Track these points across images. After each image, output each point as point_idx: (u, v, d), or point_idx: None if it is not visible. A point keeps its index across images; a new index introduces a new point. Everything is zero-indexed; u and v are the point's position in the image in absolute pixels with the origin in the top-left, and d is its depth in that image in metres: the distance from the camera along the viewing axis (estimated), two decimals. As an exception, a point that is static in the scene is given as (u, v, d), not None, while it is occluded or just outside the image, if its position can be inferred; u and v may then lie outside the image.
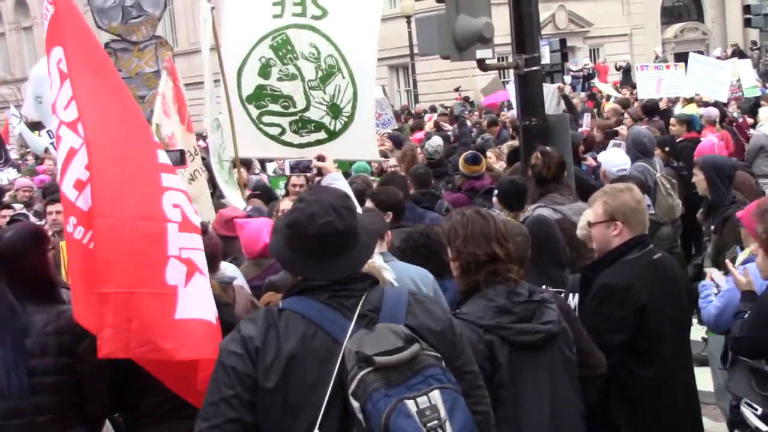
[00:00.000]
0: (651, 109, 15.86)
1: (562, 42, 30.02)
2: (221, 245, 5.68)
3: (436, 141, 12.74)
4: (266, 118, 8.07)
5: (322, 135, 7.88)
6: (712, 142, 11.35)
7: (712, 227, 7.38)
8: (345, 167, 10.61)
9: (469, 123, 19.98)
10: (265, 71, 7.96)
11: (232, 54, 8.15)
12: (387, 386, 3.04)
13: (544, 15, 39.04)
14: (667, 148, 10.79)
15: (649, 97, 16.53)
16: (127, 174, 4.26)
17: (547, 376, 4.14)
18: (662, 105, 15.61)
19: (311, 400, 3.17)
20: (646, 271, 4.98)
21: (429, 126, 21.08)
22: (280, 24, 7.88)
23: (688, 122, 12.93)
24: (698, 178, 7.63)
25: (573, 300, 5.25)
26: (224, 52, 8.25)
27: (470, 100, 32.49)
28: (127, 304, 4.03)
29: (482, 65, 9.27)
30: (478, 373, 3.50)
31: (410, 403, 3.03)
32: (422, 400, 3.05)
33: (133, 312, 4.03)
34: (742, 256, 6.02)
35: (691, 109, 16.32)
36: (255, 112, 8.10)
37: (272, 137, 8.10)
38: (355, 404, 3.06)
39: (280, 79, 7.95)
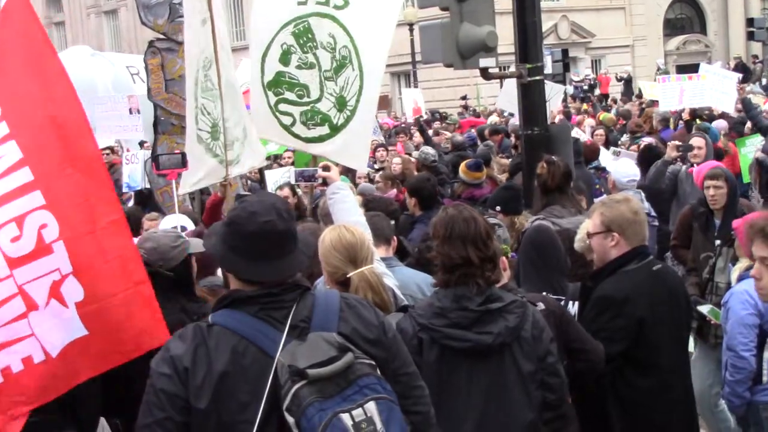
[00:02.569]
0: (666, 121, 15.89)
1: (564, 52, 29.98)
2: None
3: (430, 149, 12.74)
4: (282, 106, 7.98)
5: (325, 129, 7.79)
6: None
7: (718, 241, 7.27)
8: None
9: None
10: (285, 58, 7.86)
11: (257, 40, 8.05)
12: (322, 399, 2.99)
13: (546, 25, 39.03)
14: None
15: (671, 108, 16.43)
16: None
17: (484, 386, 4.13)
18: (685, 116, 15.43)
19: (245, 418, 3.10)
20: (644, 283, 4.99)
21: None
22: (304, 11, 7.79)
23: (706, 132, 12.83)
24: (721, 191, 7.55)
25: (573, 308, 5.27)
26: (251, 38, 8.18)
27: (471, 108, 32.47)
28: None
29: (485, 74, 9.26)
30: (415, 373, 3.46)
31: (345, 417, 2.98)
32: (357, 413, 3.00)
33: None
34: (736, 271, 6.00)
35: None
36: (273, 99, 7.99)
37: (284, 126, 8.00)
38: (290, 420, 3.00)
39: (298, 67, 7.85)
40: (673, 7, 50.73)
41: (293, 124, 7.92)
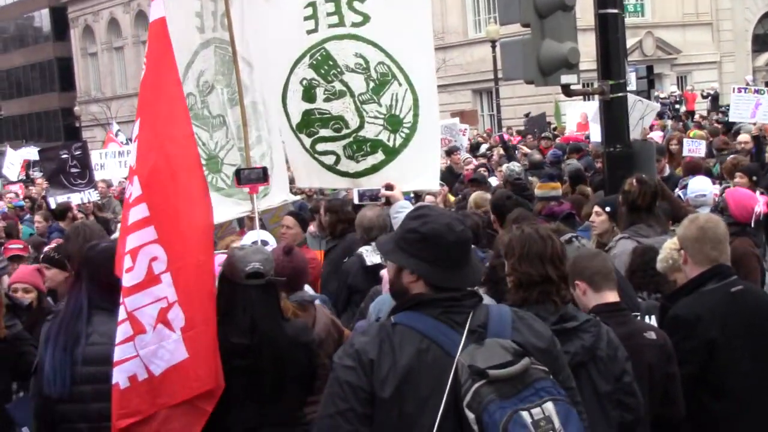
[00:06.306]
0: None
1: (649, 69, 29.55)
2: (305, 266, 5.70)
3: (516, 164, 12.66)
4: (320, 146, 7.42)
5: (379, 156, 7.20)
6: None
7: None
8: None
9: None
10: (309, 94, 7.32)
11: (273, 82, 7.53)
12: (500, 398, 3.12)
13: (631, 41, 38.65)
14: (754, 177, 10.47)
15: (742, 120, 16.03)
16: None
17: None
18: (754, 131, 15.02)
19: (426, 412, 3.25)
20: (720, 304, 4.87)
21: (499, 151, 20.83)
22: (316, 39, 7.24)
23: None
24: None
25: (651, 322, 5.24)
26: (265, 81, 7.68)
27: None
28: None
29: (567, 91, 9.22)
30: (576, 389, 3.57)
31: (525, 414, 3.11)
32: (536, 412, 3.12)
33: None
34: None
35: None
36: (308, 141, 7.45)
37: (328, 168, 7.47)
38: (471, 416, 3.14)
39: (327, 100, 7.29)
40: (763, 22, 49.78)
41: (337, 161, 7.39)
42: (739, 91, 16.35)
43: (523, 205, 8.90)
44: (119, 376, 4.32)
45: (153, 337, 4.35)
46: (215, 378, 4.41)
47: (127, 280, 4.37)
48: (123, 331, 4.34)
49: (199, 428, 4.44)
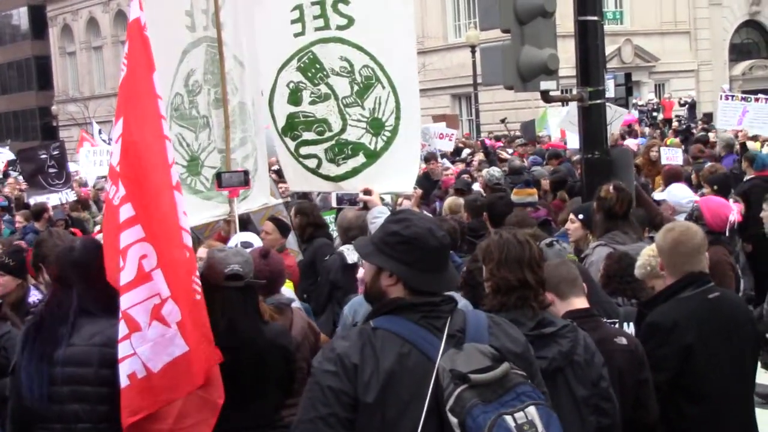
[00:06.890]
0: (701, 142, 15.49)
1: (627, 76, 29.70)
2: (282, 269, 5.70)
3: (496, 170, 12.71)
4: (303, 150, 7.46)
5: (360, 159, 7.24)
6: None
7: None
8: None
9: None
10: (295, 97, 7.37)
11: (262, 85, 7.59)
12: (483, 403, 3.14)
13: (609, 48, 38.84)
14: (715, 186, 10.51)
15: (729, 128, 16.00)
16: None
17: None
18: (741, 138, 14.95)
19: (408, 416, 3.26)
20: (697, 311, 4.90)
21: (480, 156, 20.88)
22: (304, 42, 7.29)
23: (751, 160, 12.58)
24: (766, 214, 7.48)
25: (629, 329, 5.25)
26: (256, 82, 7.70)
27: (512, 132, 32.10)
28: None
29: (546, 97, 9.24)
30: (548, 394, 3.57)
31: (509, 418, 3.13)
32: (519, 416, 3.14)
33: None
34: None
35: (755, 147, 15.95)
36: (292, 145, 7.51)
37: (311, 171, 7.51)
38: (454, 420, 3.15)
39: (312, 102, 7.34)
40: (740, 31, 50.15)
41: (319, 165, 7.45)
42: (727, 99, 16.33)
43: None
44: (121, 375, 4.35)
45: (149, 335, 4.35)
46: (212, 362, 4.46)
47: (121, 280, 4.39)
48: (120, 330, 4.35)
49: (214, 422, 4.44)
